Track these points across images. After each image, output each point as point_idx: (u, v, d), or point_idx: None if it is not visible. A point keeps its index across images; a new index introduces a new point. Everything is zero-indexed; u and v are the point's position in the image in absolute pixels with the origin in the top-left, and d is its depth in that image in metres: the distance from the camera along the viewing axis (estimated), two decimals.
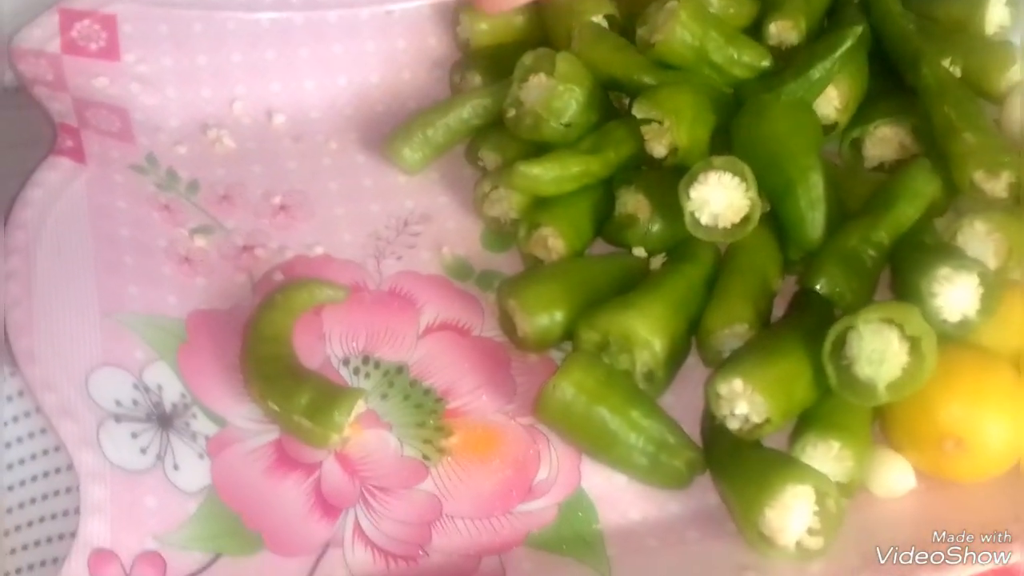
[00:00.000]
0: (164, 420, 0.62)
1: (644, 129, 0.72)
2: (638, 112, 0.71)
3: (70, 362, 0.61)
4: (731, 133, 0.72)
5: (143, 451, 0.60)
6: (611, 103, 0.76)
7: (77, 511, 0.57)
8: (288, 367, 0.64)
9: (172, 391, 0.63)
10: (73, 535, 0.56)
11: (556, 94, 0.71)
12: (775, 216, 0.70)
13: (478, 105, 0.77)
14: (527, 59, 0.73)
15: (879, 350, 0.60)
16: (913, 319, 0.59)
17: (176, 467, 0.61)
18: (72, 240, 0.66)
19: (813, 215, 0.68)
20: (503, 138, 0.75)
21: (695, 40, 0.74)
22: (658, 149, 0.72)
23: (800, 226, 0.68)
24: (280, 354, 0.64)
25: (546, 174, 0.70)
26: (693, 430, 0.66)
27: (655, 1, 0.75)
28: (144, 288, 0.66)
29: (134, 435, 0.61)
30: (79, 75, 0.74)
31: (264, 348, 0.64)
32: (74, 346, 0.62)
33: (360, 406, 0.63)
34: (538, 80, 0.72)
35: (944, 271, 0.63)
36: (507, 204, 0.73)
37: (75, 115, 0.72)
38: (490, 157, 0.76)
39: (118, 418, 0.61)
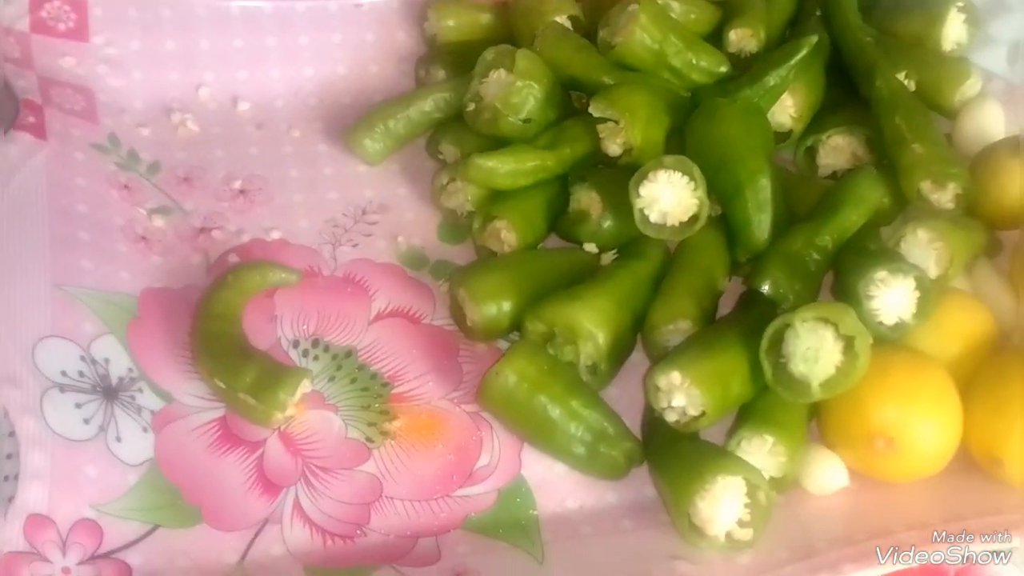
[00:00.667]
0: (109, 392, 0.63)
1: (600, 127, 0.73)
2: (594, 110, 0.72)
3: (17, 330, 0.62)
4: (685, 134, 0.73)
5: (86, 421, 0.61)
6: (570, 101, 0.77)
7: (17, 477, 0.57)
8: (236, 346, 0.65)
9: (119, 365, 0.64)
10: (11, 500, 0.56)
11: (515, 90, 0.72)
12: (724, 218, 0.72)
13: (440, 99, 0.78)
14: (488, 55, 0.74)
15: (814, 348, 0.61)
16: (847, 319, 0.61)
17: (119, 439, 0.62)
18: (28, 213, 0.67)
19: (760, 217, 0.69)
20: (463, 132, 0.76)
21: (654, 43, 0.75)
22: (613, 147, 0.73)
23: (747, 228, 0.70)
24: (229, 333, 0.65)
25: (501, 167, 0.71)
26: (636, 423, 0.67)
27: (617, 4, 0.77)
28: (98, 263, 0.67)
29: (78, 405, 0.61)
30: (46, 54, 0.75)
31: (213, 326, 0.65)
32: (22, 315, 0.63)
33: (305, 386, 0.64)
34: (498, 76, 0.73)
35: (881, 274, 0.64)
36: (463, 196, 0.74)
37: (39, 92, 0.73)
38: (449, 150, 0.77)
39: (63, 388, 0.61)
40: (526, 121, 0.73)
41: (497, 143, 0.73)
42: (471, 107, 0.74)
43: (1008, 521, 0.60)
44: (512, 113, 0.73)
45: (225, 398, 0.64)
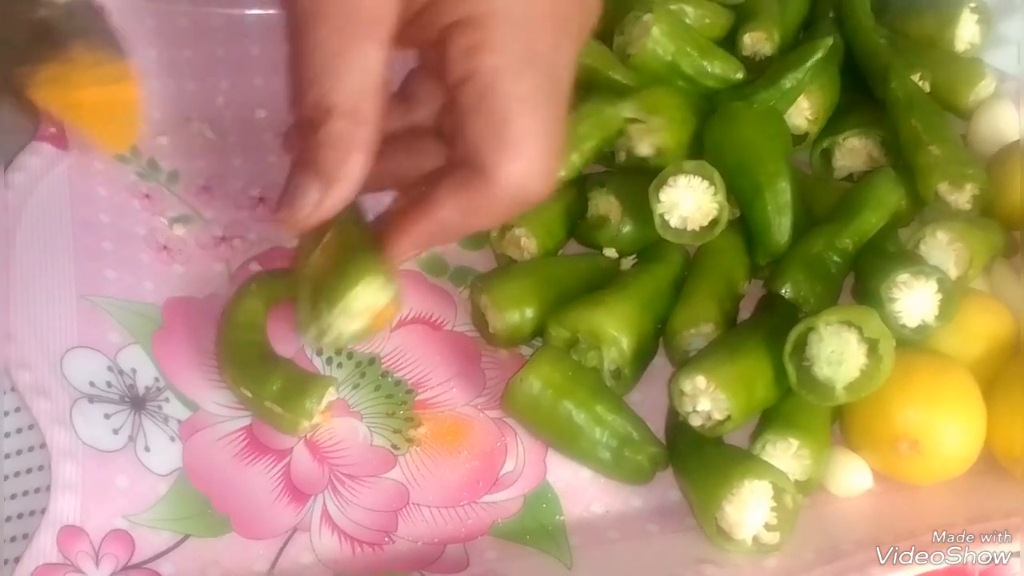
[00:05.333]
0: (137, 402, 0.63)
1: (631, 128, 0.73)
2: (626, 111, 0.72)
3: (46, 342, 0.62)
4: (703, 138, 0.74)
5: (115, 432, 0.61)
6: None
7: (48, 488, 0.58)
8: (261, 354, 0.65)
9: (146, 375, 0.65)
10: (44, 512, 0.57)
11: None
12: (743, 221, 0.72)
13: None
14: None
15: (838, 351, 0.61)
16: (871, 322, 0.61)
17: (147, 449, 0.62)
18: (52, 224, 0.67)
19: (780, 220, 0.70)
20: None
21: (667, 55, 0.75)
22: (643, 148, 0.73)
23: (767, 231, 0.70)
24: (254, 341, 0.65)
25: None
26: (659, 428, 0.67)
27: (632, 12, 0.77)
28: (121, 273, 0.67)
29: (107, 416, 0.62)
30: None
31: (238, 335, 0.65)
32: (50, 327, 0.63)
33: (331, 393, 0.64)
34: None
35: (903, 276, 0.65)
36: None
37: None
38: None
39: (91, 398, 0.62)
40: None
41: None
42: None
43: None
44: None
45: (252, 407, 0.64)
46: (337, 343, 0.58)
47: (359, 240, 0.57)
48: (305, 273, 0.58)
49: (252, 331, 0.66)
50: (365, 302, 0.57)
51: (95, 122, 0.51)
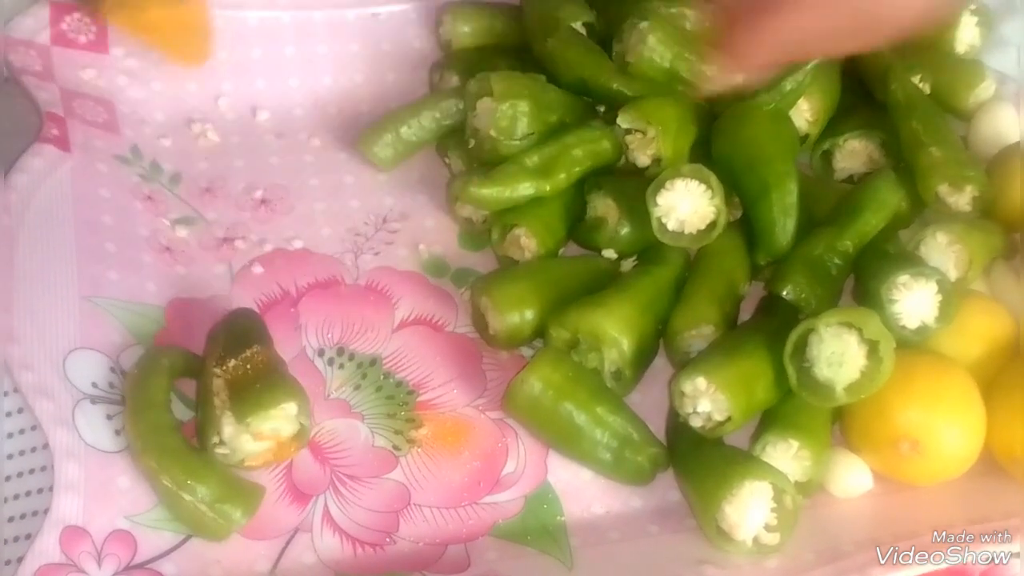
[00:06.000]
0: None
1: (628, 139, 0.73)
2: (623, 122, 0.73)
3: (48, 343, 0.62)
4: (711, 137, 0.74)
5: (117, 433, 0.61)
6: (568, 99, 0.76)
7: (51, 489, 0.58)
8: (185, 443, 0.60)
9: None
10: (46, 512, 0.57)
11: (501, 114, 0.72)
12: (745, 222, 0.72)
13: (450, 105, 0.78)
14: (471, 86, 0.74)
15: (838, 353, 0.62)
16: (871, 323, 0.61)
17: None
18: (55, 225, 0.67)
19: (785, 221, 0.70)
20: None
21: (664, 62, 0.76)
22: (642, 159, 0.73)
23: (771, 231, 0.70)
24: (168, 424, 0.61)
25: (497, 195, 0.71)
26: (660, 429, 0.67)
27: (629, 18, 0.77)
28: (124, 274, 0.68)
29: (109, 416, 0.62)
30: (67, 66, 0.76)
31: (152, 416, 0.61)
32: (53, 327, 0.63)
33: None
34: (484, 104, 0.73)
35: (903, 278, 0.65)
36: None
37: (62, 105, 0.73)
38: (456, 160, 0.77)
39: (94, 399, 0.62)
40: (525, 137, 0.73)
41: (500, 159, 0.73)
42: (472, 143, 0.74)
43: None
44: (507, 137, 0.72)
45: (170, 500, 0.59)
46: (232, 456, 0.59)
47: (280, 363, 0.62)
48: (223, 377, 0.60)
49: (163, 411, 0.62)
50: (275, 424, 0.59)
51: (169, 40, 0.52)
